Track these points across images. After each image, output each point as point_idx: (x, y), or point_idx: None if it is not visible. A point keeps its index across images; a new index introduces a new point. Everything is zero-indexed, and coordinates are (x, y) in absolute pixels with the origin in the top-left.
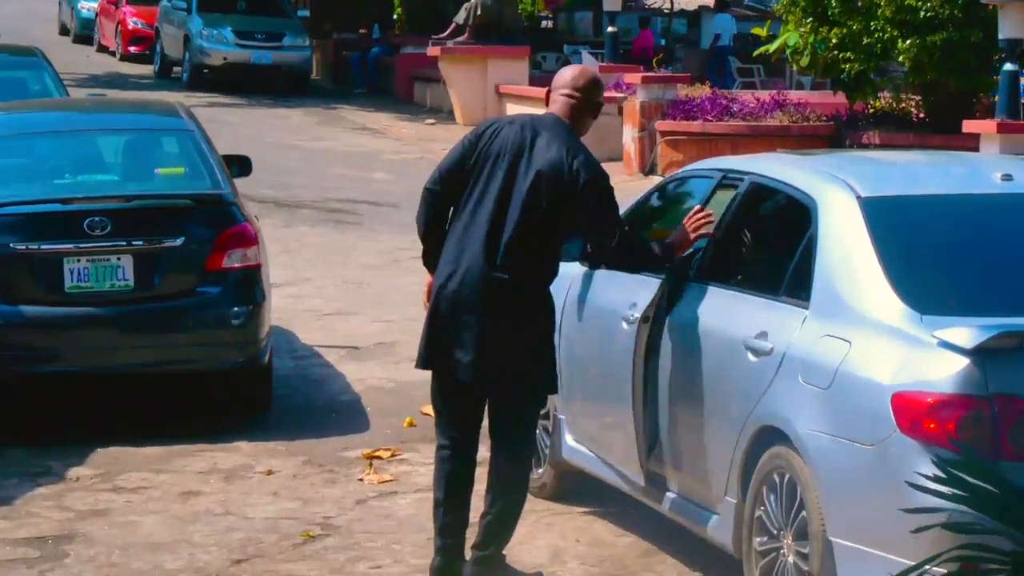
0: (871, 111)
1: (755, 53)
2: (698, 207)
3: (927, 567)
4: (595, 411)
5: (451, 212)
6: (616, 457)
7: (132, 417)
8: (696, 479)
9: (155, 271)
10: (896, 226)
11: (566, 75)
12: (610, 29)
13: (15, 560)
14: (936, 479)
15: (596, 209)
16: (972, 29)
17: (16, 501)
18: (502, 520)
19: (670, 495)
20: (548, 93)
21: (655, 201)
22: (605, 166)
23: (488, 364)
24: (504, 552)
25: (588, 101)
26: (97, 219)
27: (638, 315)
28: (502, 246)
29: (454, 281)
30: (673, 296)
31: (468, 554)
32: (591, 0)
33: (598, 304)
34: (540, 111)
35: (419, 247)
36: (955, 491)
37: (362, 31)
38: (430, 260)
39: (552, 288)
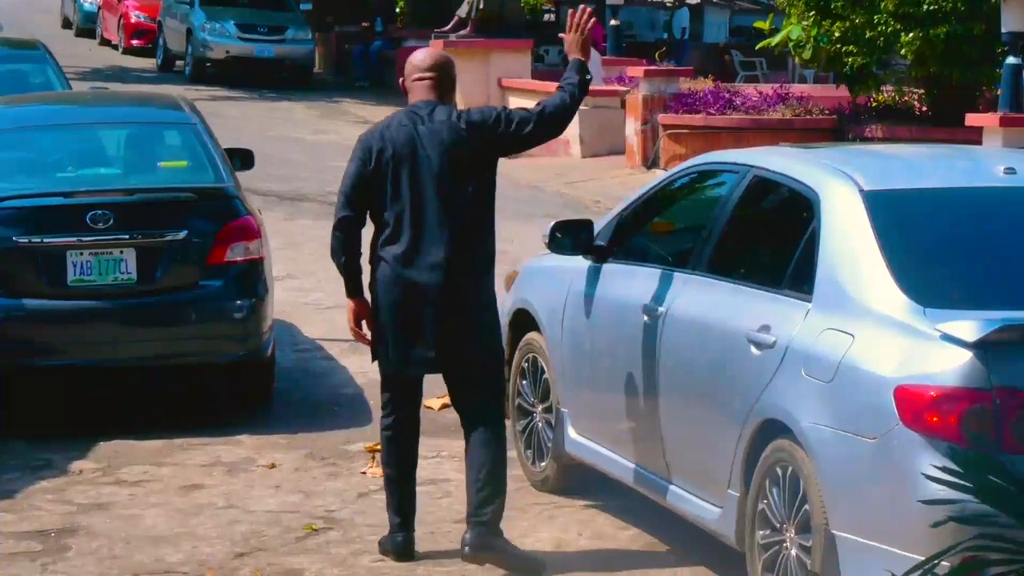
0: (874, 104)
1: (758, 46)
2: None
3: (940, 560)
4: (610, 405)
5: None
6: (632, 450)
7: (134, 410)
8: (699, 472)
9: (158, 264)
10: (899, 219)
11: (416, 61)
12: (613, 22)
13: (17, 553)
14: (946, 471)
15: (503, 121)
16: (975, 22)
17: (18, 494)
18: (491, 503)
19: (673, 488)
20: (403, 82)
21: (661, 195)
22: (607, 159)
23: (452, 355)
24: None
25: (443, 78)
26: (100, 212)
27: (662, 308)
28: (435, 238)
29: (400, 284)
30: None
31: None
32: None
33: (611, 298)
34: None
35: None
36: (964, 484)
37: (364, 24)
38: (357, 286)
39: (553, 282)
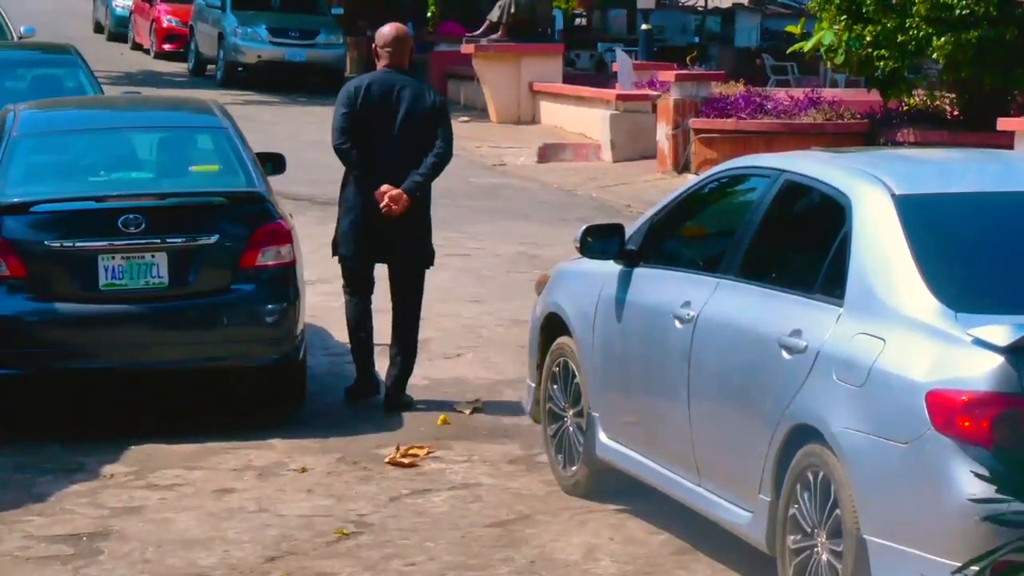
0: (905, 109)
1: (789, 51)
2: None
3: (994, 557)
4: (641, 410)
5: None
6: (663, 454)
7: (166, 414)
8: (730, 477)
9: (189, 268)
10: (930, 224)
11: (385, 36)
12: (644, 27)
13: (50, 557)
14: (989, 475)
15: (445, 128)
16: (1007, 27)
17: (51, 498)
18: (407, 360)
19: (703, 492)
20: (376, 48)
21: (693, 199)
22: (638, 164)
23: (407, 248)
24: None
25: (405, 49)
26: (132, 217)
27: (693, 313)
28: (402, 164)
29: (370, 196)
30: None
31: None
32: None
33: (643, 302)
34: (573, 108)
35: (451, 245)
36: (1012, 485)
37: None
38: (376, 181)
39: (584, 286)
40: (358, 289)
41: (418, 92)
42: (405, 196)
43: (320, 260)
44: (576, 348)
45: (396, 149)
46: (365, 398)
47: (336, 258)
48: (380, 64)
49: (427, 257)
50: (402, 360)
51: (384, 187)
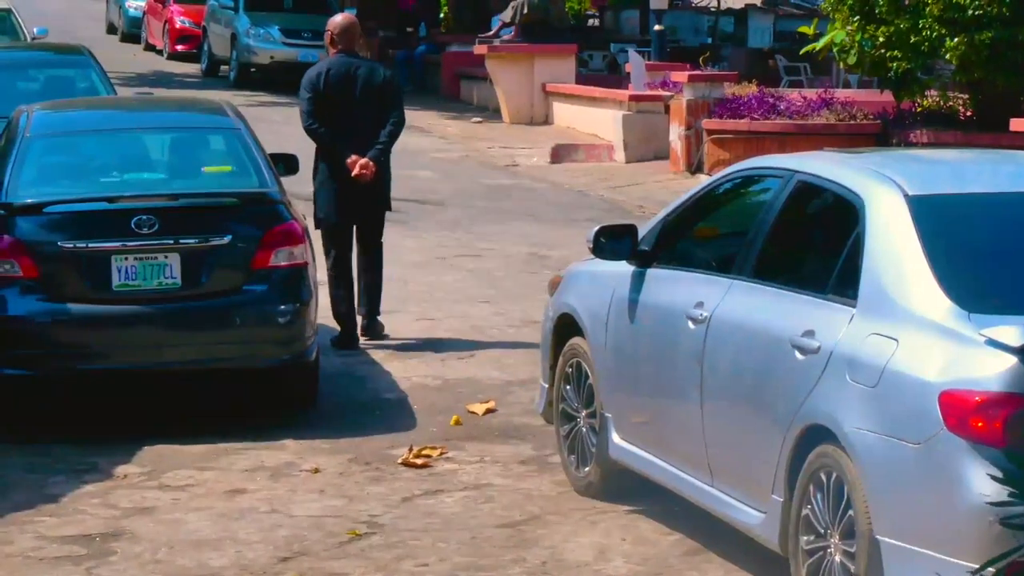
0: (918, 109)
1: (802, 51)
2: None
3: (1009, 559)
4: (654, 410)
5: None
6: (676, 455)
7: (178, 415)
8: (742, 477)
9: (202, 269)
10: (944, 224)
11: (337, 24)
12: (657, 27)
13: (62, 557)
14: (1002, 477)
15: (397, 99)
16: (1020, 28)
17: (63, 498)
18: (376, 292)
19: (716, 493)
20: (329, 35)
21: (705, 200)
22: (651, 164)
23: (372, 209)
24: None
25: (354, 35)
26: (144, 217)
27: (706, 313)
28: (364, 134)
29: (339, 165)
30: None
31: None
32: None
33: (656, 303)
34: (586, 109)
35: (462, 246)
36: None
37: (408, 29)
38: (345, 152)
39: (597, 287)
40: (339, 246)
41: (371, 70)
42: (372, 163)
43: None
44: (589, 349)
45: (357, 122)
46: (350, 348)
47: (318, 230)
48: (333, 51)
49: (387, 204)
50: (371, 295)
51: (353, 157)
